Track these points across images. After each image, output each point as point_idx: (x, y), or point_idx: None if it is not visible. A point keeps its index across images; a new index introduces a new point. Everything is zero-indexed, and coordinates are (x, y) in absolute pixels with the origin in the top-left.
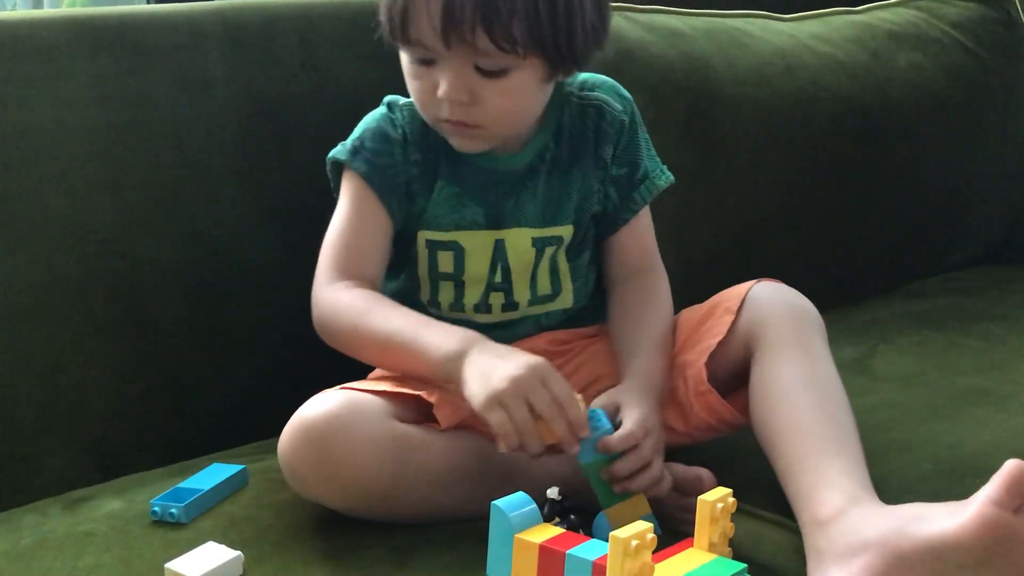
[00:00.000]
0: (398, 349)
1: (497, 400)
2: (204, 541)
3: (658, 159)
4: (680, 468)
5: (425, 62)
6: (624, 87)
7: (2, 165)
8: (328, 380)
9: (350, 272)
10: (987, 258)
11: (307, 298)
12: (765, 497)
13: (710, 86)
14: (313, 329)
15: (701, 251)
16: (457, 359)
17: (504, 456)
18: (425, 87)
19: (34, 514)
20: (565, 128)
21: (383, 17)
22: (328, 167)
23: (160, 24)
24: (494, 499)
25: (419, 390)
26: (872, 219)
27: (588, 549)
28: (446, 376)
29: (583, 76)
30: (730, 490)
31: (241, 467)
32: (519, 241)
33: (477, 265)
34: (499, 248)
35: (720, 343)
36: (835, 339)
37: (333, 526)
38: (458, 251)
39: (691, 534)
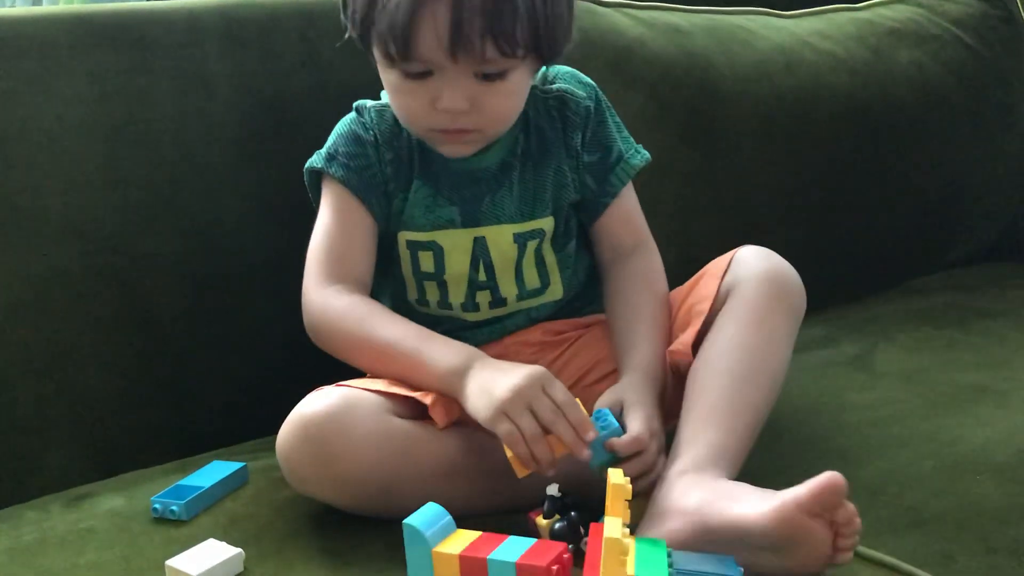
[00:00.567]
0: (398, 358)
1: (502, 411)
2: (205, 538)
3: (631, 139)
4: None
5: (419, 75)
6: (624, 84)
7: (2, 162)
8: (328, 377)
9: (340, 276)
10: (987, 255)
11: None
12: None
13: (710, 83)
14: None
15: (701, 247)
16: (459, 374)
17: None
18: (419, 101)
19: (35, 511)
20: (532, 122)
21: (383, 35)
22: (306, 178)
23: (160, 20)
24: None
25: (414, 392)
26: (872, 216)
27: (508, 550)
28: (448, 390)
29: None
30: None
31: (241, 464)
32: (499, 238)
33: (457, 264)
34: (479, 245)
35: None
36: (836, 335)
37: (333, 523)
38: (437, 251)
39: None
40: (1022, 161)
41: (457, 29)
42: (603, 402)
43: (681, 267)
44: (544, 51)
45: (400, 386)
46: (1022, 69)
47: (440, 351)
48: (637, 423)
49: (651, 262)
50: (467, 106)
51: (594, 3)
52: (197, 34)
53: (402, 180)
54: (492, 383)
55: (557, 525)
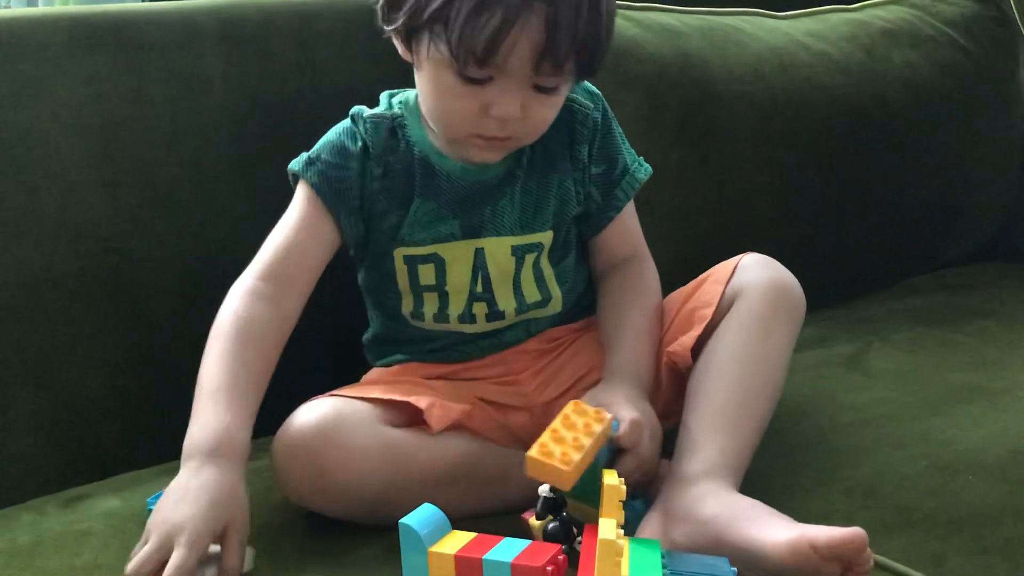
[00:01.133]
0: (195, 398)
1: (153, 528)
2: None
3: (632, 151)
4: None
5: (477, 81)
6: (619, 84)
7: None
8: (322, 378)
9: (276, 272)
10: (981, 255)
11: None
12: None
13: (705, 83)
14: (308, 327)
15: (696, 248)
16: (186, 457)
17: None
18: (470, 105)
19: (31, 512)
20: None
21: (463, 38)
22: (289, 177)
23: (156, 22)
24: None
25: (410, 396)
26: (866, 216)
27: (503, 551)
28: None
29: None
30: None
31: None
32: (497, 250)
33: (459, 274)
34: (479, 256)
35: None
36: (830, 336)
37: (328, 525)
38: (439, 262)
39: None
40: (1015, 161)
41: (550, 46)
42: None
43: (676, 266)
44: (597, 67)
45: (394, 390)
46: (1015, 70)
47: (199, 420)
48: (626, 411)
49: (644, 273)
50: (520, 115)
51: None
52: (192, 36)
53: (397, 198)
54: (173, 501)
55: (550, 526)
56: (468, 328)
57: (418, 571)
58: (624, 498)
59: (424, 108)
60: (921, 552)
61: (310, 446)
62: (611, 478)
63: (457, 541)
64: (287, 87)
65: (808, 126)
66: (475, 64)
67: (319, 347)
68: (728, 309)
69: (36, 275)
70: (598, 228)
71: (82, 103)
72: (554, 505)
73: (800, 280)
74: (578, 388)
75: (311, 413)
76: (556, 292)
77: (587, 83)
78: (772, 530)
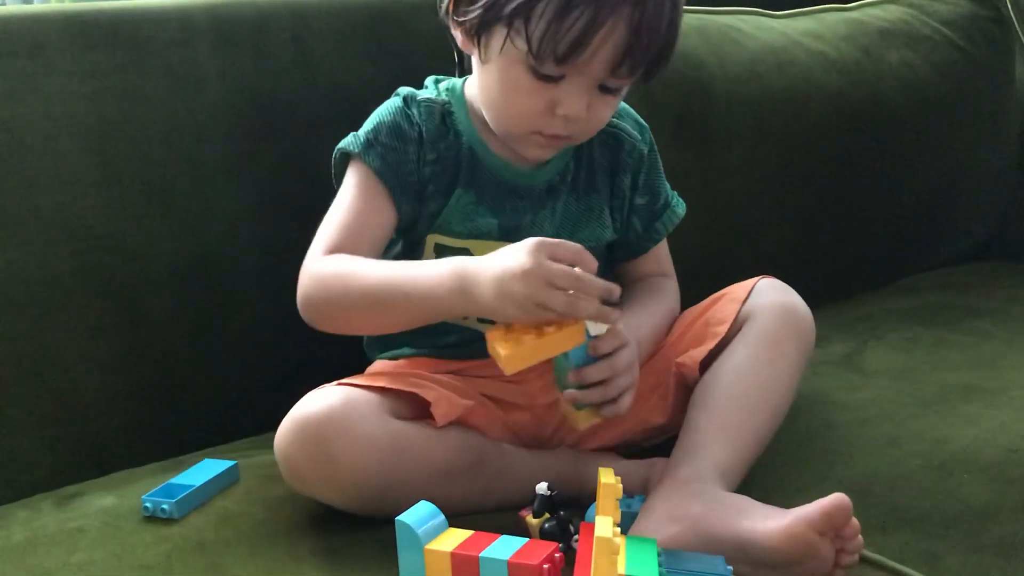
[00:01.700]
0: (391, 307)
1: (533, 304)
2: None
3: (668, 184)
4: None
5: (548, 79)
6: None
7: None
8: (320, 376)
9: (340, 249)
10: (977, 254)
11: None
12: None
13: (702, 83)
14: (305, 324)
15: (693, 247)
16: (464, 297)
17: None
18: (539, 103)
19: (26, 510)
20: (585, 152)
21: (548, 36)
22: (336, 157)
23: (152, 19)
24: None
25: (417, 388)
26: (863, 215)
27: (500, 548)
28: (460, 314)
29: None
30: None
31: (233, 463)
32: None
33: None
34: None
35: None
36: (826, 335)
37: (325, 522)
38: None
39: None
40: (1011, 160)
41: (631, 49)
42: None
43: (674, 265)
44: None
45: (401, 382)
46: (1012, 69)
47: (426, 283)
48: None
49: (666, 284)
50: (586, 114)
51: None
52: (189, 33)
53: (443, 184)
54: (503, 283)
55: (547, 524)
56: (485, 327)
57: (415, 568)
58: (620, 496)
59: (484, 101)
60: (916, 550)
61: (317, 433)
62: (607, 477)
63: (454, 538)
64: (283, 84)
65: (805, 125)
66: (554, 62)
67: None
68: (739, 329)
69: (32, 272)
70: (633, 256)
71: (78, 100)
72: (551, 503)
73: (796, 279)
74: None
75: (319, 401)
76: None
77: (636, 114)
78: (763, 520)
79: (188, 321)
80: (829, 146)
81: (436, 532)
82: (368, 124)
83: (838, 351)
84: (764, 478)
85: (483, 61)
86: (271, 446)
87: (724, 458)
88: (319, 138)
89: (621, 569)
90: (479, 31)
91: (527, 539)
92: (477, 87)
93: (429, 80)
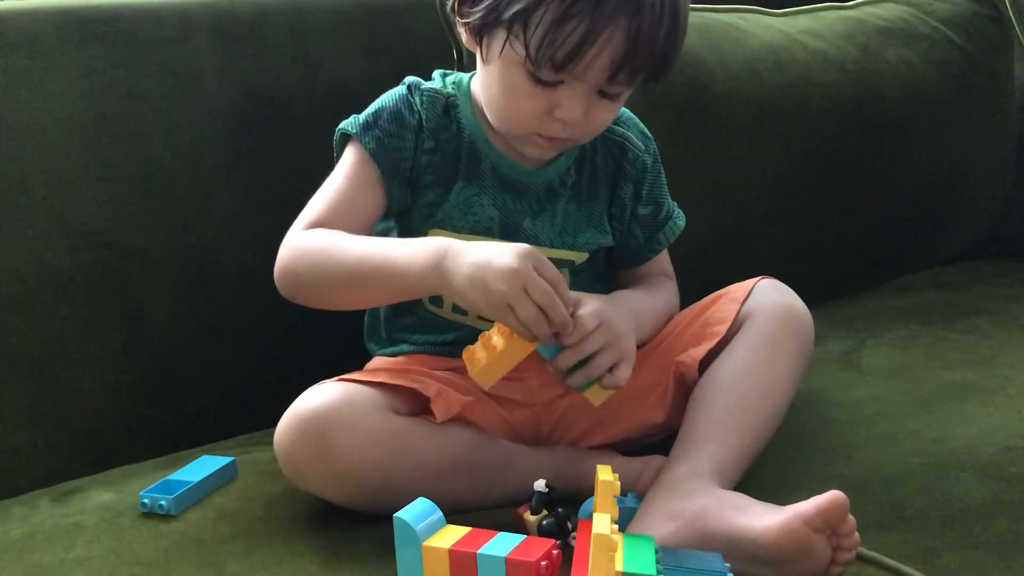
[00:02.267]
0: (368, 280)
1: (504, 303)
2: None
3: (670, 197)
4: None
5: (548, 83)
6: None
7: None
8: (319, 372)
9: (323, 225)
10: (974, 252)
11: None
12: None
13: (701, 81)
14: (304, 320)
15: (691, 244)
16: (437, 273)
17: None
18: (537, 106)
19: (24, 506)
20: (588, 158)
21: (546, 42)
22: (336, 137)
23: (150, 15)
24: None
25: (417, 383)
26: (861, 213)
27: (498, 545)
28: (432, 291)
29: None
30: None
31: (230, 459)
32: None
33: None
34: None
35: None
36: (823, 333)
37: (323, 518)
38: None
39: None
40: (1009, 158)
41: (628, 58)
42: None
43: (672, 263)
44: (663, 80)
45: (401, 377)
46: (1010, 68)
47: (407, 258)
48: (585, 309)
49: (668, 284)
50: (584, 119)
51: None
52: (187, 29)
53: (441, 176)
54: (482, 272)
55: (545, 521)
56: (484, 325)
57: (412, 565)
58: (618, 492)
59: (486, 100)
60: (913, 548)
61: (318, 427)
62: (605, 474)
63: (452, 535)
64: (281, 81)
65: (804, 123)
66: (551, 69)
67: (317, 340)
68: (739, 329)
69: (29, 269)
70: (634, 264)
71: (75, 97)
72: (548, 500)
73: (794, 276)
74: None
75: (319, 396)
76: None
77: (642, 124)
78: (759, 517)
79: (186, 317)
80: (828, 144)
81: (434, 529)
82: (370, 108)
83: (836, 349)
84: (762, 475)
85: (485, 61)
86: (269, 443)
87: (722, 457)
88: (317, 134)
89: (619, 566)
90: (480, 33)
91: (525, 536)
92: (479, 84)
93: (436, 73)
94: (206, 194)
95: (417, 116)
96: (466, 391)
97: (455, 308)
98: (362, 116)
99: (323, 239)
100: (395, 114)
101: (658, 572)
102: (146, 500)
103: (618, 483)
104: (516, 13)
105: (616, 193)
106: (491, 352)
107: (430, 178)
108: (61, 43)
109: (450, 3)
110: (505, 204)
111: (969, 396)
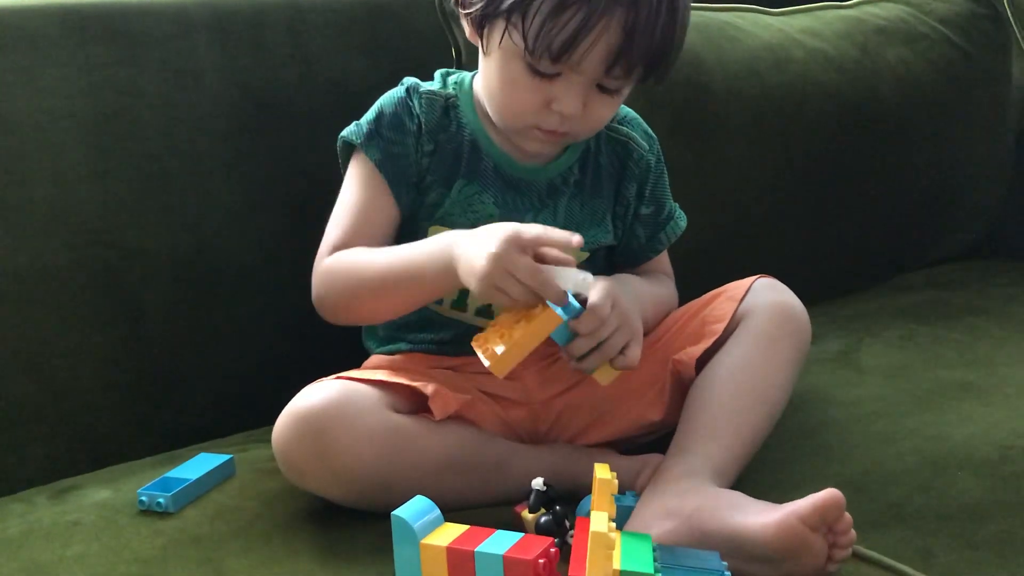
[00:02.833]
0: (397, 289)
1: (491, 286)
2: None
3: (671, 197)
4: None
5: (546, 76)
6: None
7: None
8: (317, 370)
9: (347, 247)
10: (972, 252)
11: (295, 288)
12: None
13: (700, 79)
14: (302, 319)
15: (689, 243)
16: (450, 272)
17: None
18: (535, 98)
19: (21, 503)
20: (591, 156)
21: (542, 33)
22: (339, 144)
23: (149, 13)
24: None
25: (415, 381)
26: (859, 212)
27: (496, 543)
28: (453, 287)
29: None
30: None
31: (228, 457)
32: None
33: None
34: None
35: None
36: (821, 332)
37: (321, 516)
38: None
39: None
40: (1007, 158)
41: (624, 50)
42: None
43: (671, 262)
44: (662, 77)
45: (401, 375)
46: (1008, 67)
47: (424, 261)
48: (596, 294)
49: (667, 280)
50: (581, 112)
51: None
52: (186, 27)
53: (442, 175)
54: (472, 260)
55: (543, 519)
56: (482, 322)
57: (410, 563)
58: (616, 491)
59: (485, 93)
60: (910, 547)
61: (317, 425)
62: (603, 472)
63: (449, 533)
64: (280, 79)
65: (802, 122)
66: (548, 60)
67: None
68: (736, 327)
69: (28, 266)
70: (635, 263)
71: (75, 94)
72: (546, 499)
73: (793, 275)
74: (579, 387)
75: (317, 393)
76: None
77: (646, 125)
78: (756, 515)
79: (184, 315)
80: (826, 143)
81: (432, 527)
82: (371, 113)
83: (833, 348)
84: (759, 474)
85: (485, 53)
86: (267, 440)
87: (719, 456)
88: (316, 132)
89: (616, 565)
90: (481, 24)
91: (523, 534)
92: (480, 78)
93: (438, 73)
94: (205, 192)
95: (416, 120)
96: (463, 390)
97: (453, 305)
98: (363, 124)
99: (344, 262)
100: (395, 119)
101: (656, 570)
102: (144, 498)
103: (616, 481)
104: (515, 3)
105: (620, 192)
106: (506, 339)
107: (431, 178)
108: (60, 40)
109: None
110: (506, 202)
111: (967, 395)
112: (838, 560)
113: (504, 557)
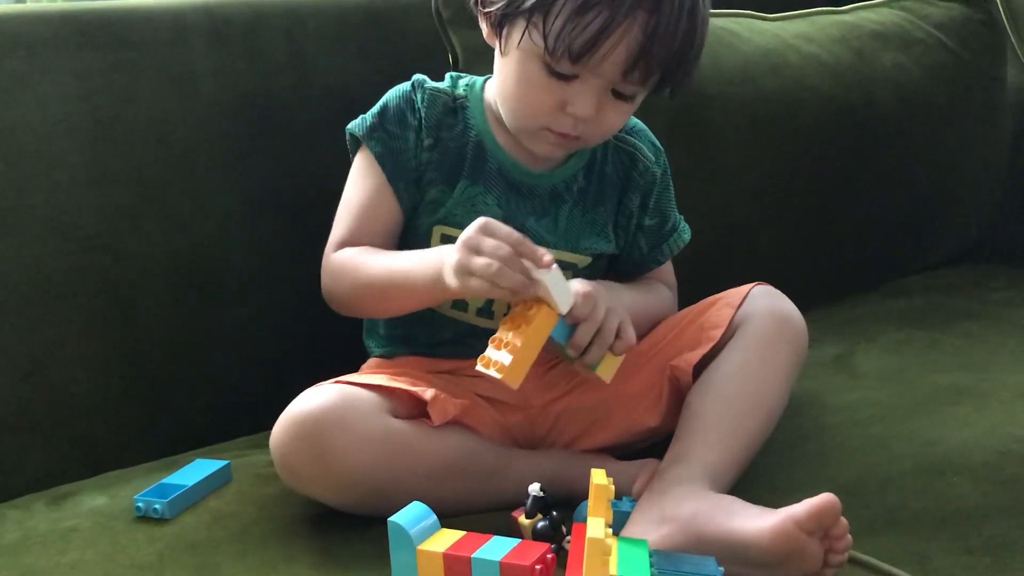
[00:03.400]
0: (396, 295)
1: (464, 271)
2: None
3: (676, 208)
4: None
5: (562, 77)
6: None
7: None
8: (314, 376)
9: (357, 245)
10: (968, 256)
11: (293, 293)
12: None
13: (695, 85)
14: (299, 324)
15: (687, 248)
16: (440, 281)
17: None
18: (550, 100)
19: (18, 510)
20: (597, 165)
21: (563, 34)
22: (347, 137)
23: (145, 19)
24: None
25: (414, 387)
26: (855, 217)
27: (492, 549)
28: (447, 299)
29: None
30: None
31: (225, 463)
32: None
33: None
34: None
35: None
36: (817, 337)
37: (318, 522)
38: None
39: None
40: (1002, 163)
41: (644, 54)
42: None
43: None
44: (679, 87)
45: (399, 380)
46: (1003, 72)
47: (422, 270)
48: (579, 285)
49: (663, 288)
50: (595, 116)
51: None
52: (182, 32)
53: (444, 174)
54: (451, 255)
55: (539, 524)
56: (483, 322)
57: (407, 569)
58: (613, 496)
59: (500, 93)
60: (906, 551)
61: (315, 430)
62: (600, 478)
63: (446, 539)
64: (277, 84)
65: (798, 128)
66: (568, 61)
67: (312, 344)
68: (733, 334)
69: (24, 272)
70: (637, 273)
71: (71, 100)
72: (543, 504)
73: (788, 280)
74: (577, 392)
75: (316, 398)
76: None
77: (653, 136)
78: (752, 520)
79: (181, 320)
80: (821, 148)
81: (428, 533)
82: (376, 106)
83: (829, 353)
84: (756, 479)
85: (503, 53)
86: (264, 446)
87: (716, 461)
88: (312, 137)
89: (613, 570)
90: (501, 23)
91: (519, 540)
92: (495, 79)
93: (448, 75)
94: (202, 197)
95: (418, 116)
96: (460, 395)
97: (454, 305)
98: (368, 117)
99: (347, 263)
100: (398, 113)
101: None
102: (140, 504)
103: (612, 487)
104: (537, 2)
105: (623, 202)
106: (511, 348)
107: (431, 175)
108: (57, 47)
109: None
110: (509, 204)
111: (962, 400)
112: (834, 565)
113: (501, 563)
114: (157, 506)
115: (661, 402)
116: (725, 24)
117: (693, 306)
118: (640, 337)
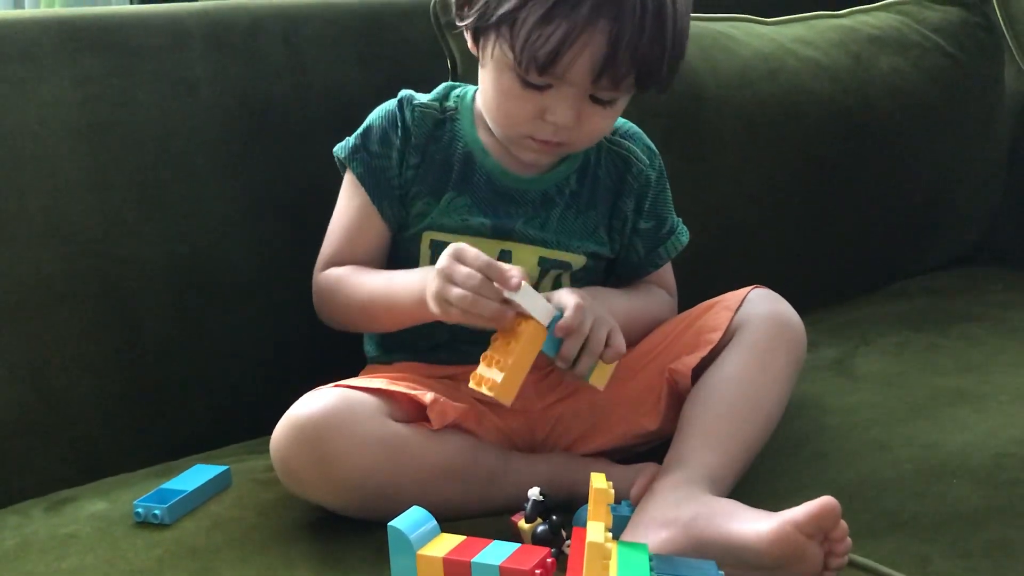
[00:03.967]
0: (382, 315)
1: (442, 300)
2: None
3: (674, 211)
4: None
5: (536, 87)
6: None
7: None
8: (314, 380)
9: (344, 264)
10: (967, 259)
11: (292, 298)
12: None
13: (693, 89)
14: (298, 328)
15: (684, 251)
16: (422, 303)
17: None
18: (528, 109)
19: (17, 515)
20: (590, 169)
21: (528, 45)
22: (337, 162)
23: (144, 24)
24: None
25: (414, 391)
26: (853, 220)
27: (492, 554)
28: (429, 319)
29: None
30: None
31: (225, 468)
32: (525, 257)
33: None
34: (503, 258)
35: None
36: (816, 340)
37: (317, 527)
38: None
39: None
40: (1000, 166)
41: (609, 61)
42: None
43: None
44: (661, 87)
45: (399, 384)
46: (1001, 76)
47: (407, 295)
48: (567, 297)
49: (660, 292)
50: (575, 123)
51: None
52: (181, 38)
53: (429, 186)
54: (430, 283)
55: (539, 529)
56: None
57: (407, 573)
58: (612, 500)
59: (483, 103)
60: (906, 554)
61: (315, 434)
62: (599, 482)
63: (446, 544)
64: (275, 89)
65: (796, 132)
66: (536, 71)
67: (311, 349)
68: (731, 338)
69: (23, 277)
70: (635, 277)
71: (70, 105)
72: (543, 509)
73: (787, 284)
74: (576, 396)
75: (316, 401)
76: None
77: (648, 139)
78: (752, 523)
79: (180, 325)
80: (820, 152)
81: (428, 537)
82: (361, 127)
83: (829, 356)
84: (755, 482)
85: (482, 64)
86: (264, 451)
87: (715, 464)
88: (311, 142)
89: (613, 574)
90: (476, 35)
91: (519, 544)
92: (479, 89)
93: (442, 86)
94: (201, 202)
95: (404, 133)
96: (461, 399)
97: None
98: (352, 138)
99: (334, 284)
100: (380, 133)
101: None
102: (140, 509)
103: (612, 491)
104: (503, 15)
105: (617, 206)
106: (502, 366)
107: (417, 189)
108: (55, 52)
109: (452, 6)
110: (497, 212)
111: (962, 402)
112: (834, 568)
113: (501, 568)
114: (157, 511)
115: (660, 405)
116: (723, 28)
117: (691, 309)
118: (637, 341)
